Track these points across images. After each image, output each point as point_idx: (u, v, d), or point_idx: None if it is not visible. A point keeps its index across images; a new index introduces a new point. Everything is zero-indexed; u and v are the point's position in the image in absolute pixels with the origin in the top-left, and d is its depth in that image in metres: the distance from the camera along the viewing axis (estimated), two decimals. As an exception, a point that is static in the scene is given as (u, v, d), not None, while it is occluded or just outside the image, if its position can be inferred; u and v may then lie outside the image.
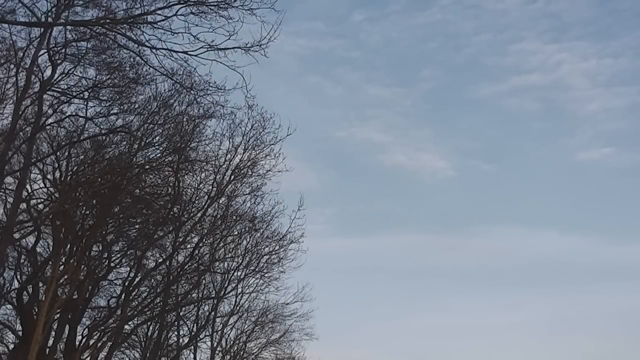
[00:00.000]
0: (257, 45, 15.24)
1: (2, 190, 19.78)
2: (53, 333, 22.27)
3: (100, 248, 23.70)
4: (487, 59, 72.73)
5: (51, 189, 21.30)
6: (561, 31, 73.98)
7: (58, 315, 21.54)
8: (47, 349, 21.52)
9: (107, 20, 16.15)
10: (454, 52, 73.63)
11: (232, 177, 25.61)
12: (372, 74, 73.81)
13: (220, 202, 26.15)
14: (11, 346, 23.35)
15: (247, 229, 28.44)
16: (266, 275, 30.73)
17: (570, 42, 74.31)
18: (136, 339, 29.08)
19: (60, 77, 19.68)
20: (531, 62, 71.56)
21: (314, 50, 68.88)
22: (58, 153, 20.61)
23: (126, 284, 24.95)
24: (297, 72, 68.92)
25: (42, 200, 21.14)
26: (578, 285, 65.65)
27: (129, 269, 25.51)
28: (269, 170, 25.74)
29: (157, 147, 21.90)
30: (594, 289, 63.34)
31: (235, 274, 30.25)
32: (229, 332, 33.81)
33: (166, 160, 22.16)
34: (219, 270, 30.12)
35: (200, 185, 25.20)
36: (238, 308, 32.63)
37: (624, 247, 66.67)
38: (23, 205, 19.81)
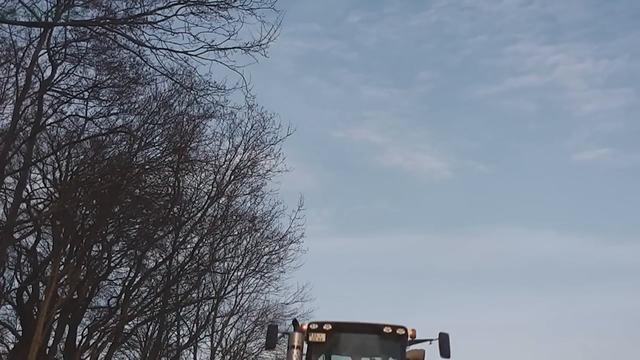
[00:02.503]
0: (257, 45, 15.28)
1: (2, 190, 19.77)
2: (53, 333, 22.26)
3: (100, 248, 23.69)
4: (483, 60, 72.62)
5: (51, 189, 21.30)
6: (557, 33, 73.82)
7: (58, 315, 21.53)
8: (47, 349, 21.51)
9: (107, 20, 16.17)
10: (450, 54, 73.53)
11: (232, 177, 25.62)
12: (368, 75, 73.72)
13: (220, 202, 26.18)
14: (11, 346, 23.33)
15: (247, 229, 28.46)
16: (266, 275, 30.77)
17: (566, 43, 74.15)
18: (136, 339, 29.07)
19: (60, 77, 19.70)
20: (527, 63, 71.46)
21: (311, 52, 68.80)
22: (58, 153, 20.61)
23: (126, 284, 24.95)
24: (294, 74, 68.85)
25: (42, 200, 21.13)
26: (577, 285, 65.58)
27: (129, 269, 25.52)
28: (269, 170, 25.76)
29: (157, 147, 21.90)
30: (593, 289, 63.26)
31: (235, 274, 30.29)
32: (229, 332, 33.80)
33: (166, 160, 22.15)
34: (219, 270, 30.14)
35: (200, 185, 25.22)
36: (238, 308, 32.63)
37: (622, 247, 66.58)
38: (23, 205, 19.79)
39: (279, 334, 13.47)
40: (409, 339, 12.18)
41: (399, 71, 75.00)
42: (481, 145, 72.74)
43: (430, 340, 12.11)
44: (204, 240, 26.65)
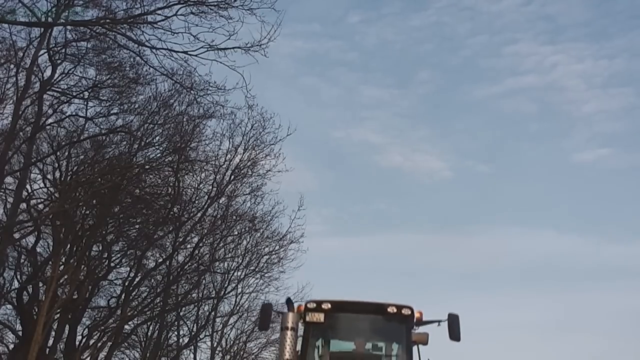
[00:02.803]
0: (257, 45, 15.30)
1: (2, 190, 19.77)
2: (53, 333, 22.27)
3: (100, 248, 23.70)
4: (483, 60, 72.58)
5: (51, 189, 21.30)
6: (556, 33, 73.72)
7: (58, 315, 21.53)
8: (47, 349, 21.51)
9: (107, 20, 16.17)
10: (450, 54, 73.48)
11: (232, 177, 25.64)
12: (368, 75, 73.65)
13: (220, 202, 26.19)
14: (11, 346, 23.33)
15: (247, 229, 28.48)
16: (266, 275, 30.77)
17: (566, 43, 74.05)
18: (136, 339, 29.08)
19: (60, 77, 19.70)
20: (526, 63, 71.40)
21: (310, 52, 68.78)
22: (58, 153, 20.61)
23: (126, 284, 24.96)
24: (294, 74, 68.84)
25: (42, 200, 21.13)
26: (577, 284, 65.60)
27: (129, 269, 25.54)
28: (269, 170, 25.77)
29: (157, 147, 21.91)
30: (593, 289, 63.29)
31: (235, 274, 30.29)
32: (229, 332, 33.81)
33: (166, 160, 22.17)
34: (219, 270, 30.14)
35: (200, 185, 25.24)
36: (238, 308, 32.62)
37: (622, 247, 66.65)
38: (23, 205, 19.80)
39: (273, 314, 12.49)
40: (415, 321, 11.15)
41: (399, 71, 75.01)
42: (481, 146, 72.80)
43: (439, 321, 11.12)
44: (204, 240, 26.67)
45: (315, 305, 11.05)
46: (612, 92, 72.67)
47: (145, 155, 21.95)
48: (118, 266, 25.27)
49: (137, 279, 25.17)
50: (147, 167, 21.82)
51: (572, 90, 72.92)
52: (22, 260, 22.73)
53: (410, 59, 72.62)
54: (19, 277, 23.03)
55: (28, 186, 20.30)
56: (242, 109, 22.85)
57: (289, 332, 10.47)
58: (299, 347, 10.87)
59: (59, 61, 19.28)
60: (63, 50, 19.10)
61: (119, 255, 24.92)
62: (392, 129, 73.66)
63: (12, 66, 19.14)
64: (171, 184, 23.06)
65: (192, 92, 18.29)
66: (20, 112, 18.62)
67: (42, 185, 21.33)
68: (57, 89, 19.88)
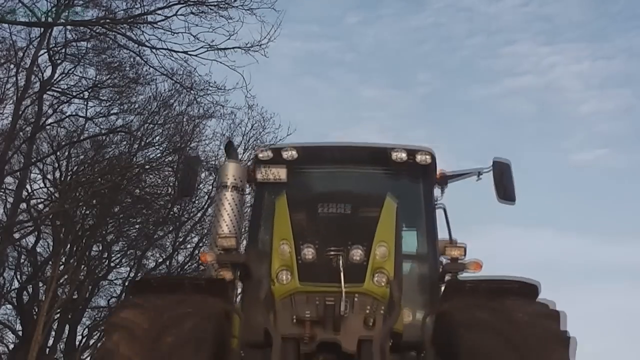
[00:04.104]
0: (257, 45, 15.33)
1: (2, 190, 19.78)
2: (53, 333, 22.28)
3: (100, 248, 23.71)
4: (481, 61, 72.70)
5: (51, 189, 21.31)
6: (554, 34, 73.91)
7: (58, 315, 21.54)
8: (47, 349, 21.53)
9: (107, 20, 16.20)
10: (448, 55, 73.59)
11: (232, 177, 25.59)
12: (366, 76, 73.78)
13: (220, 202, 26.13)
14: (11, 346, 23.35)
15: (246, 228, 28.41)
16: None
17: (564, 44, 74.35)
18: (136, 339, 29.07)
19: (60, 77, 19.75)
20: (524, 64, 71.58)
21: (309, 53, 68.88)
22: (58, 153, 20.62)
23: (126, 284, 24.96)
24: (292, 75, 68.92)
25: (42, 200, 21.15)
26: (576, 284, 65.62)
27: (129, 269, 25.55)
28: (269, 170, 25.67)
29: (157, 147, 21.92)
30: (592, 289, 63.36)
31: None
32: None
33: (166, 160, 22.17)
34: (218, 270, 30.12)
35: (200, 185, 25.19)
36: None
37: (622, 247, 66.73)
38: (23, 205, 19.81)
39: (201, 171, 7.62)
40: (438, 176, 6.86)
41: (397, 72, 75.03)
42: (479, 146, 72.92)
43: (479, 172, 6.98)
44: (204, 240, 26.64)
45: (271, 153, 6.53)
46: (610, 92, 72.75)
47: (145, 155, 21.97)
48: (118, 266, 25.32)
49: (137, 279, 25.17)
50: (147, 167, 21.81)
51: (570, 90, 73.03)
52: (22, 260, 22.76)
53: (408, 60, 72.62)
54: (19, 277, 23.08)
55: (28, 186, 20.35)
56: (242, 109, 22.82)
57: (228, 194, 6.43)
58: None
59: (59, 61, 19.30)
60: (63, 50, 19.13)
61: (119, 255, 24.95)
62: (391, 129, 73.75)
63: (12, 66, 19.17)
64: (171, 184, 23.04)
65: (192, 92, 18.36)
66: (20, 112, 18.63)
67: (42, 185, 21.39)
68: (57, 89, 19.91)
